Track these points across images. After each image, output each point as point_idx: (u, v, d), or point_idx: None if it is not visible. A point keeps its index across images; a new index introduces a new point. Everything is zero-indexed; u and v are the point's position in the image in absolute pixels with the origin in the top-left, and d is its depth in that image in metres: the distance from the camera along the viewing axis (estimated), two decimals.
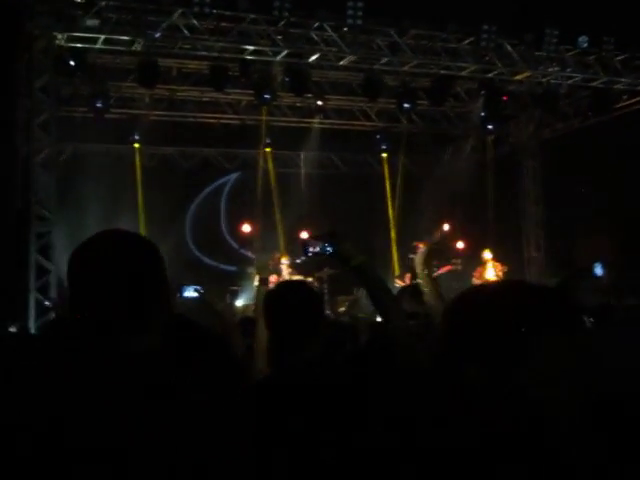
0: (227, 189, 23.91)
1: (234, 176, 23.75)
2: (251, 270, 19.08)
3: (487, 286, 2.25)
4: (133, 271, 2.37)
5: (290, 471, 3.26)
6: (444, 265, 20.06)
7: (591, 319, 7.18)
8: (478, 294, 2.24)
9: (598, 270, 20.59)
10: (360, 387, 3.52)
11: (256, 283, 5.67)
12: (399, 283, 18.44)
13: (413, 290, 5.71)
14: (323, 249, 3.83)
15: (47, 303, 14.81)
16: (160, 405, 2.21)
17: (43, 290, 14.93)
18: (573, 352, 2.04)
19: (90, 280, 2.35)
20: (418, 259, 4.79)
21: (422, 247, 4.74)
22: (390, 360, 3.84)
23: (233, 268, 20.40)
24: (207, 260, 23.21)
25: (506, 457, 1.99)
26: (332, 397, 3.44)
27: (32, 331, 14.08)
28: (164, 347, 2.40)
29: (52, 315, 14.32)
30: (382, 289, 3.97)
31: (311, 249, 3.88)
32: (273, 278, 18.31)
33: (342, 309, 20.10)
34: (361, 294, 19.97)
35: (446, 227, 20.10)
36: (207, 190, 23.25)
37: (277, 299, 4.01)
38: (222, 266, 21.60)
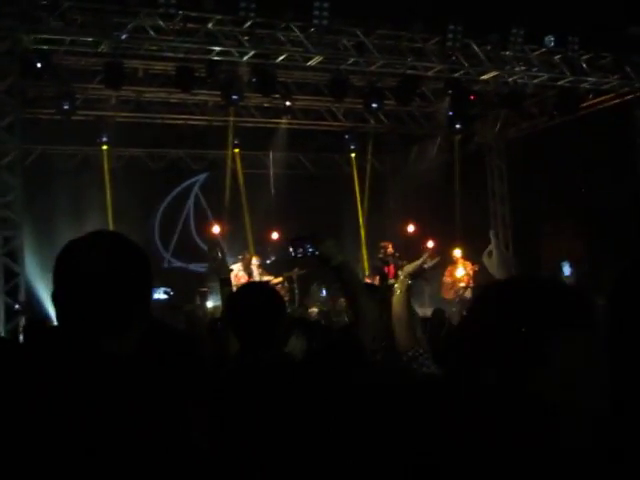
0: (195, 190, 23.89)
1: (202, 177, 23.74)
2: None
3: (501, 284, 2.16)
4: (118, 273, 2.38)
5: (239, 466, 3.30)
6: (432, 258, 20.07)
7: None
8: (494, 293, 2.20)
9: (566, 269, 20.63)
10: (316, 387, 3.55)
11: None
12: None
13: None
14: (306, 250, 3.97)
15: (16, 307, 14.72)
16: (136, 406, 2.22)
17: (12, 293, 14.84)
18: (590, 353, 2.00)
19: (74, 281, 2.35)
20: (408, 268, 4.86)
21: (417, 261, 4.80)
22: (354, 361, 3.87)
23: (202, 269, 20.37)
24: (176, 262, 23.19)
25: (521, 462, 1.96)
26: (284, 396, 3.49)
27: (1, 334, 14.00)
28: (140, 349, 2.41)
29: (21, 319, 14.23)
30: (358, 289, 4.05)
31: (300, 250, 4.02)
32: (244, 279, 18.37)
33: (313, 309, 20.13)
34: (315, 289, 20.10)
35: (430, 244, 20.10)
36: (175, 191, 23.22)
37: (236, 301, 4.10)
38: (191, 267, 21.57)
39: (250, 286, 5.03)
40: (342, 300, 17.43)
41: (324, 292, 20.20)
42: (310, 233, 4.11)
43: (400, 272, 4.76)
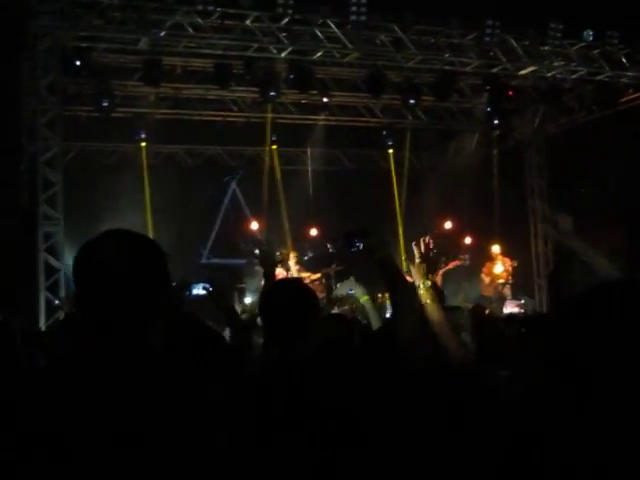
0: (233, 186, 23.94)
1: (240, 173, 23.76)
2: (257, 267, 19.12)
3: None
4: (135, 271, 2.41)
5: (274, 466, 3.31)
6: (452, 260, 20.08)
7: None
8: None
9: None
10: (349, 385, 3.55)
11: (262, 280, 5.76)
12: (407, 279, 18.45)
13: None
14: (353, 244, 4.06)
15: (57, 302, 14.87)
16: (162, 405, 2.24)
17: (53, 289, 14.99)
18: None
19: (94, 279, 2.40)
20: (415, 273, 4.82)
21: (414, 263, 4.74)
22: (392, 357, 3.87)
23: (242, 261, 20.37)
24: (214, 258, 23.26)
25: None
26: (316, 394, 3.49)
27: (42, 329, 14.15)
28: (167, 347, 2.43)
29: (61, 314, 14.37)
30: (400, 284, 4.05)
31: (349, 244, 4.15)
32: (282, 275, 18.40)
33: (347, 307, 20.09)
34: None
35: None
36: (213, 188, 23.25)
37: (268, 299, 4.11)
38: (229, 261, 21.61)
39: (282, 283, 5.04)
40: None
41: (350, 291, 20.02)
42: (359, 228, 4.17)
43: (419, 283, 4.69)
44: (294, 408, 3.44)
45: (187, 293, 6.40)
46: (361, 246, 4.13)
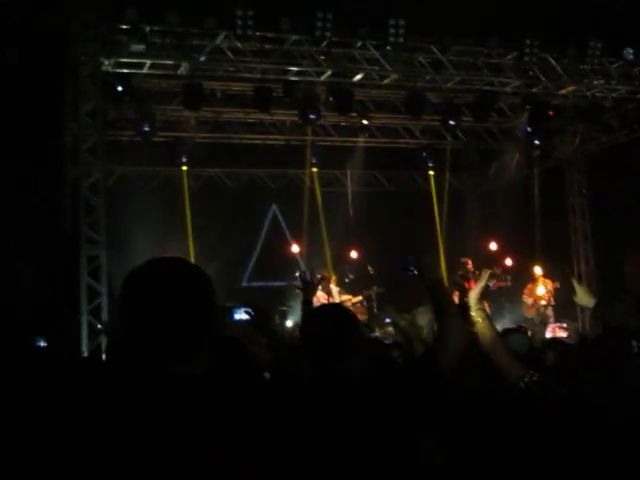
0: (273, 209, 23.98)
1: (281, 196, 23.77)
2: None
3: None
4: (183, 298, 2.44)
5: None
6: (496, 281, 19.98)
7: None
8: None
9: None
10: (388, 408, 3.53)
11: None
12: None
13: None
14: (408, 269, 4.09)
15: (99, 326, 14.94)
16: (204, 427, 2.25)
17: (95, 313, 15.07)
18: None
19: (141, 305, 2.42)
20: (473, 295, 4.79)
21: (478, 284, 4.73)
22: (431, 380, 3.84)
23: (283, 283, 20.38)
24: (255, 281, 23.29)
25: None
26: (354, 416, 3.47)
27: (85, 354, 14.23)
28: (210, 371, 2.44)
29: (104, 338, 14.43)
30: (448, 308, 4.02)
31: (405, 269, 4.16)
32: (323, 298, 18.40)
33: (390, 328, 20.03)
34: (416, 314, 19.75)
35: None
36: (254, 210, 23.30)
37: (309, 327, 4.11)
38: (271, 283, 21.63)
39: (323, 309, 5.05)
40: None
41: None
42: (417, 253, 4.19)
43: (471, 303, 4.68)
44: (337, 428, 3.43)
45: (229, 317, 6.42)
46: (414, 270, 4.13)
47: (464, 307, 5.69)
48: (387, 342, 11.33)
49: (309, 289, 5.47)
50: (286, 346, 5.34)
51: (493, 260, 22.05)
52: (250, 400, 2.42)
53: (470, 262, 19.66)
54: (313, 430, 3.43)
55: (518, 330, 8.09)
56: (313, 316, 4.37)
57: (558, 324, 19.01)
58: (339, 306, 4.85)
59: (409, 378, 3.87)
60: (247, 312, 5.69)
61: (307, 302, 5.33)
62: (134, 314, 2.44)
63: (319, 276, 18.97)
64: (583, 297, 6.77)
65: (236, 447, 2.24)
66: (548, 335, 16.51)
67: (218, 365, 2.54)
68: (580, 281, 21.87)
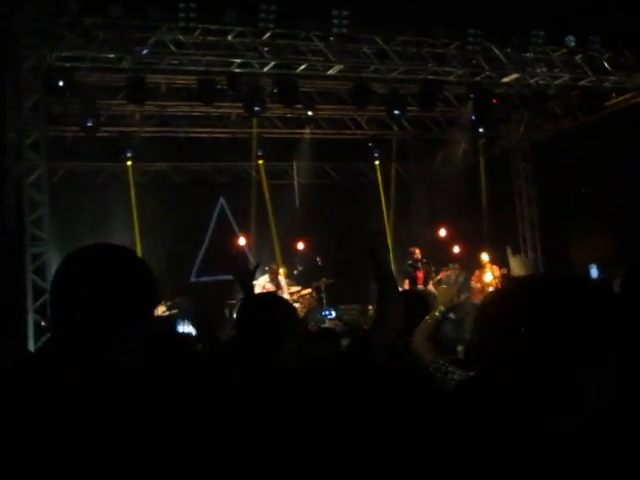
0: (221, 202, 23.91)
1: (227, 189, 23.71)
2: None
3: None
4: (110, 285, 2.37)
5: None
6: (443, 271, 20.11)
7: None
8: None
9: (593, 271, 20.41)
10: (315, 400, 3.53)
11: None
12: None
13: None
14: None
15: (43, 323, 14.76)
16: (127, 420, 2.20)
17: (41, 311, 14.87)
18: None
19: (67, 294, 2.36)
20: (442, 295, 4.89)
21: (447, 275, 4.87)
22: (363, 365, 3.84)
23: (231, 277, 20.28)
24: (204, 275, 23.21)
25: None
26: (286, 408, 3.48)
27: (31, 351, 14.06)
28: (141, 363, 2.40)
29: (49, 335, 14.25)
30: (390, 290, 4.05)
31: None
32: (272, 289, 18.38)
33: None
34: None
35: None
36: (201, 204, 23.21)
37: (243, 314, 4.11)
38: (219, 277, 21.56)
39: (258, 298, 5.04)
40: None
41: (327, 313, 19.89)
42: (372, 232, 4.22)
43: (436, 301, 4.79)
44: (263, 418, 3.44)
45: (174, 328, 6.40)
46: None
47: (414, 295, 5.71)
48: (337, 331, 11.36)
49: (245, 277, 5.41)
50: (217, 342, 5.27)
51: (440, 248, 22.21)
52: (175, 395, 2.36)
53: (418, 251, 19.77)
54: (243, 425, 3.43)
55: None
56: (247, 304, 4.37)
57: None
58: (273, 294, 4.88)
59: (343, 363, 3.88)
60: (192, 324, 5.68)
61: (247, 292, 5.28)
62: (57, 298, 2.39)
63: (267, 268, 19.01)
64: (517, 269, 6.84)
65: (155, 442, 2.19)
66: None
67: (149, 357, 2.49)
68: (518, 252, 22.22)
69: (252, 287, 5.51)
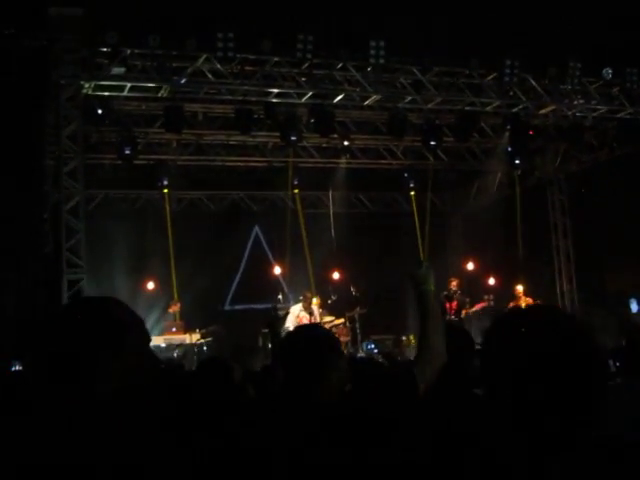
0: (256, 231, 23.96)
1: (263, 218, 23.76)
2: (282, 312, 19.09)
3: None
4: (79, 332, 2.42)
5: None
6: (478, 302, 20.02)
7: (617, 363, 6.49)
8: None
9: (634, 306, 20.10)
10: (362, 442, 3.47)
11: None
12: None
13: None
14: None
15: None
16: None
17: None
18: None
19: (45, 339, 2.45)
20: None
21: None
22: (404, 398, 3.80)
23: (266, 306, 20.30)
24: (238, 303, 23.23)
25: None
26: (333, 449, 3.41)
27: None
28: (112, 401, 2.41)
29: None
30: (432, 323, 4.00)
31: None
32: (306, 319, 18.35)
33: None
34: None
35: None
36: (237, 233, 23.25)
37: (284, 348, 4.08)
38: (254, 306, 21.57)
39: (301, 328, 5.01)
40: None
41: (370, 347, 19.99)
42: (417, 262, 4.21)
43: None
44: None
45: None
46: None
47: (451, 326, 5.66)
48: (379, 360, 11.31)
49: (275, 324, 5.43)
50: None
51: (474, 279, 22.10)
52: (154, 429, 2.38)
53: (455, 282, 19.68)
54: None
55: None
56: (290, 337, 4.33)
57: None
58: (317, 326, 4.83)
59: (385, 394, 3.83)
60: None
61: (275, 335, 5.27)
62: (38, 347, 2.45)
63: (301, 297, 19.01)
64: None
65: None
66: None
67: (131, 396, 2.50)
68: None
69: (279, 329, 5.52)
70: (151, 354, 2.61)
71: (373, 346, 19.68)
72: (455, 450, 2.21)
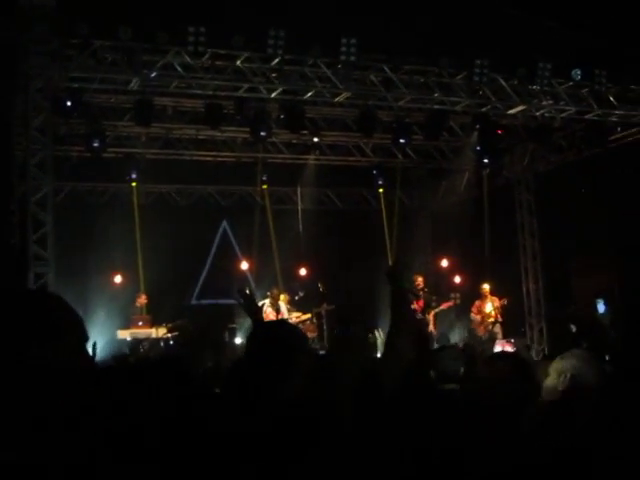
0: (224, 226, 23.93)
1: (231, 213, 23.74)
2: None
3: None
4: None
5: None
6: (445, 301, 20.12)
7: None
8: None
9: (600, 306, 20.38)
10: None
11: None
12: None
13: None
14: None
15: None
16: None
17: None
18: None
19: None
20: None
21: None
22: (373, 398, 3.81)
23: (232, 301, 20.26)
24: (204, 298, 23.20)
25: None
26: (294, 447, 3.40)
27: None
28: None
29: None
30: (402, 322, 4.02)
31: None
32: (272, 315, 18.36)
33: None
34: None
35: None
36: (204, 227, 23.21)
37: (249, 345, 4.06)
38: (220, 301, 21.54)
39: (267, 325, 5.00)
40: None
41: None
42: (395, 259, 4.27)
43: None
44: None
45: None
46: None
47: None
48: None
49: (251, 307, 5.37)
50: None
51: (441, 277, 22.21)
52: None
53: (421, 279, 19.75)
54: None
55: (452, 346, 8.19)
56: (256, 332, 4.31)
57: (506, 340, 19.14)
58: (285, 322, 4.80)
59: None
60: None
61: (257, 322, 5.23)
62: None
63: (268, 293, 19.01)
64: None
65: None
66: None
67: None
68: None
69: (261, 317, 5.49)
70: (87, 355, 2.59)
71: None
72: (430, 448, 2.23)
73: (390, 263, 4.30)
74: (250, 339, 4.18)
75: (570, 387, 4.45)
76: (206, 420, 3.52)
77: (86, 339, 2.51)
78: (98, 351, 12.18)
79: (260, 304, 18.24)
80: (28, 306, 2.44)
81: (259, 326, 4.88)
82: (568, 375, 4.49)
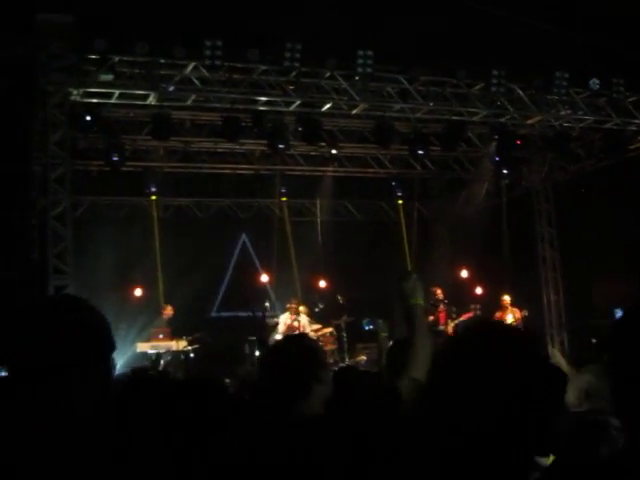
0: (243, 239, 23.97)
1: (250, 226, 23.77)
2: (269, 320, 19.11)
3: None
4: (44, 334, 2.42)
5: None
6: (465, 312, 20.04)
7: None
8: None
9: (619, 316, 20.32)
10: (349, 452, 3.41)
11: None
12: None
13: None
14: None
15: None
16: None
17: None
18: None
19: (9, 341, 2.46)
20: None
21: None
22: (389, 412, 3.76)
23: (252, 314, 20.27)
24: (224, 311, 23.23)
25: None
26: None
27: None
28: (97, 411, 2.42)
29: None
30: (420, 337, 3.96)
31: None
32: (294, 328, 18.36)
33: (362, 357, 20.03)
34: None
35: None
36: (223, 240, 23.26)
37: (267, 361, 4.02)
38: (240, 314, 21.55)
39: (286, 340, 4.96)
40: None
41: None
42: (402, 271, 4.19)
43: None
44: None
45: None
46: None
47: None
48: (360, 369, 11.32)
49: (261, 329, 5.37)
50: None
51: (461, 288, 22.13)
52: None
53: (440, 291, 19.72)
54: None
55: None
56: (274, 347, 4.27)
57: None
58: (302, 337, 4.74)
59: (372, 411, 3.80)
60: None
61: (262, 343, 5.23)
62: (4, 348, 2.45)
63: (287, 306, 19.02)
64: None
65: None
66: None
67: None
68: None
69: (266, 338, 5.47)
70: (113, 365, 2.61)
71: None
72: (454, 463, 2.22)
73: (398, 281, 4.19)
74: (266, 355, 4.15)
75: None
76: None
77: (113, 348, 2.54)
78: (117, 364, 12.20)
79: (282, 316, 18.37)
80: (77, 317, 2.46)
81: (269, 346, 4.85)
82: (582, 393, 4.43)
